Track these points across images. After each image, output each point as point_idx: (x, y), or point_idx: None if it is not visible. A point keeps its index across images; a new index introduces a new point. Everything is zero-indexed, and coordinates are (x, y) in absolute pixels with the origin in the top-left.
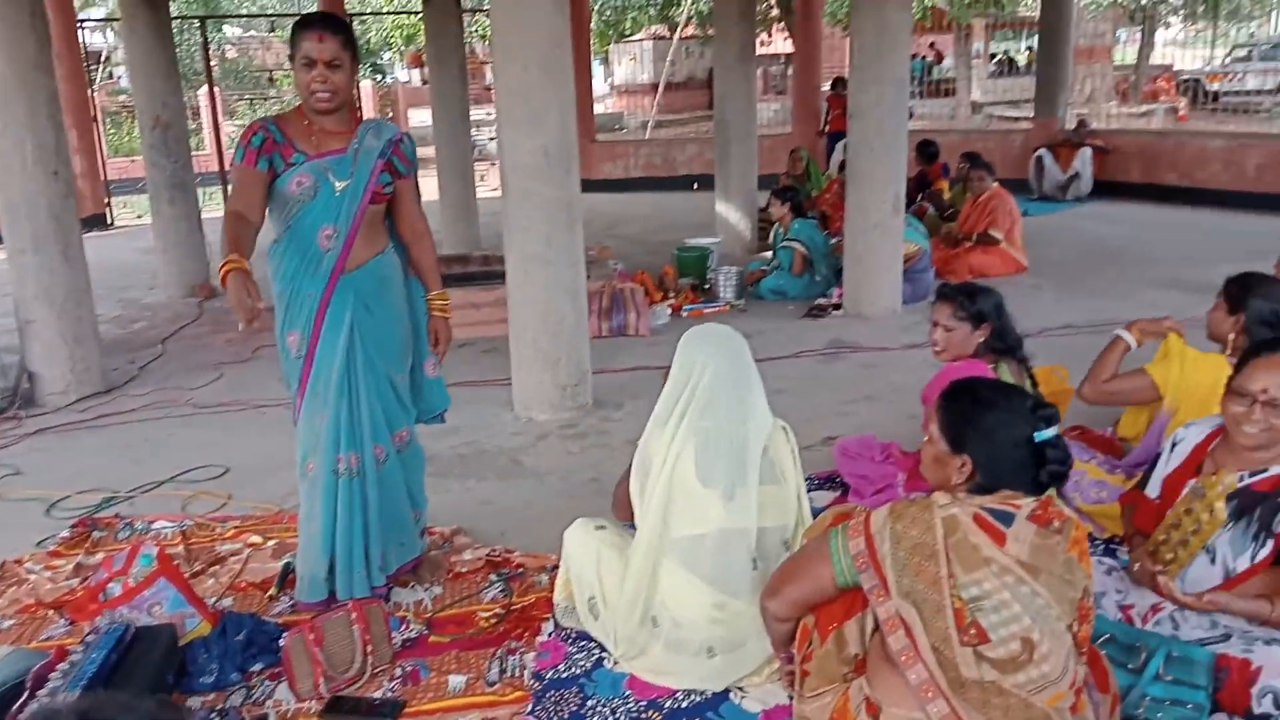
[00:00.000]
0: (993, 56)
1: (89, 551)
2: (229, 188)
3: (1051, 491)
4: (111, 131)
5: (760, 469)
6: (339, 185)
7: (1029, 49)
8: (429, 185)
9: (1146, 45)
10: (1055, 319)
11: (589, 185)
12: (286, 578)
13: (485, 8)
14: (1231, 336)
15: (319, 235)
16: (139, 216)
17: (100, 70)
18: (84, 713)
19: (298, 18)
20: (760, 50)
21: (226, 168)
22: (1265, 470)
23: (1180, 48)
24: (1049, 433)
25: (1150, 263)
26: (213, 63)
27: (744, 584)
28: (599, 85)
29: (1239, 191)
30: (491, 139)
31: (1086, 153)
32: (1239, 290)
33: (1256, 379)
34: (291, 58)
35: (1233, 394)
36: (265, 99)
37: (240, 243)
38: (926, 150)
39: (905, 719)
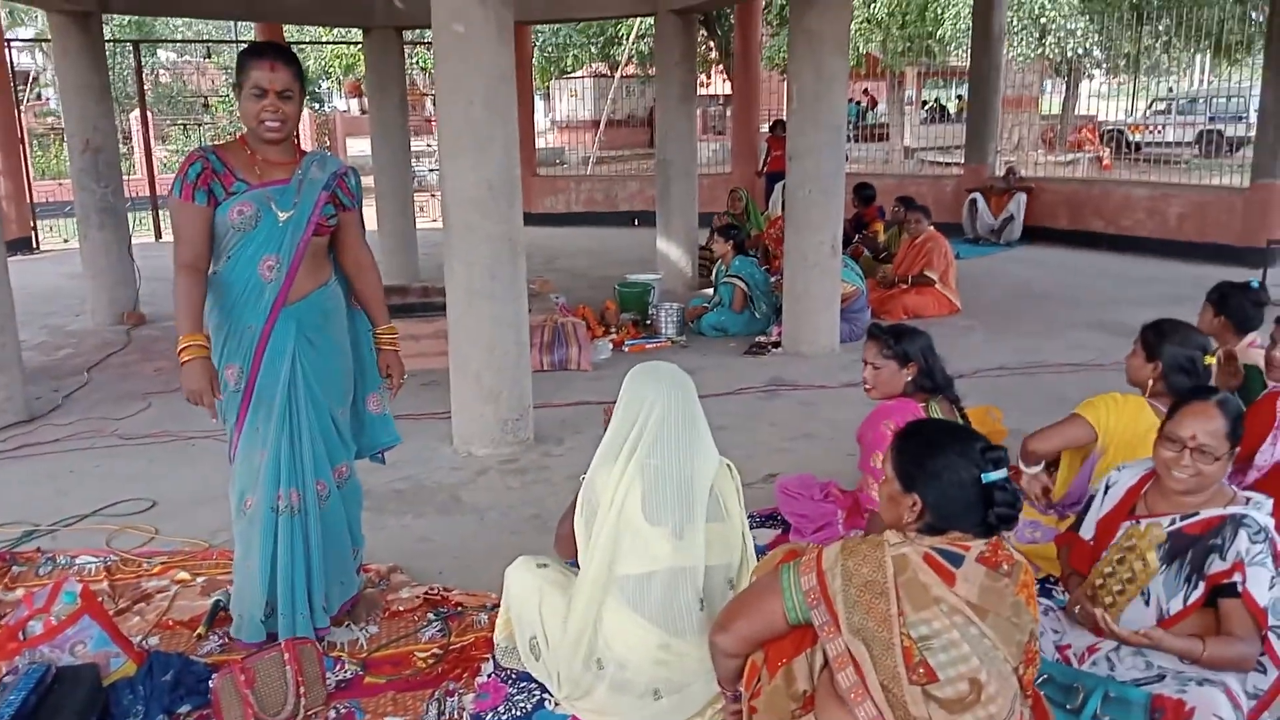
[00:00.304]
0: (924, 104)
1: (8, 587)
2: (172, 229)
3: (1002, 534)
4: (38, 154)
5: (706, 507)
6: (282, 216)
7: (959, 97)
8: (368, 215)
9: (1071, 96)
10: (988, 360)
11: (530, 219)
12: (216, 616)
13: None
14: (1150, 382)
15: (260, 266)
16: (65, 241)
17: (28, 91)
18: None
19: (247, 46)
20: (700, 91)
21: (159, 193)
22: (1195, 514)
23: (1103, 99)
24: (997, 475)
25: (1077, 305)
26: (146, 87)
27: (690, 623)
28: (540, 120)
29: (1161, 239)
30: (431, 170)
31: (1021, 197)
32: (1155, 337)
33: (1186, 425)
34: (238, 85)
35: (1164, 439)
36: (199, 124)
37: (197, 313)
38: (863, 193)
39: None
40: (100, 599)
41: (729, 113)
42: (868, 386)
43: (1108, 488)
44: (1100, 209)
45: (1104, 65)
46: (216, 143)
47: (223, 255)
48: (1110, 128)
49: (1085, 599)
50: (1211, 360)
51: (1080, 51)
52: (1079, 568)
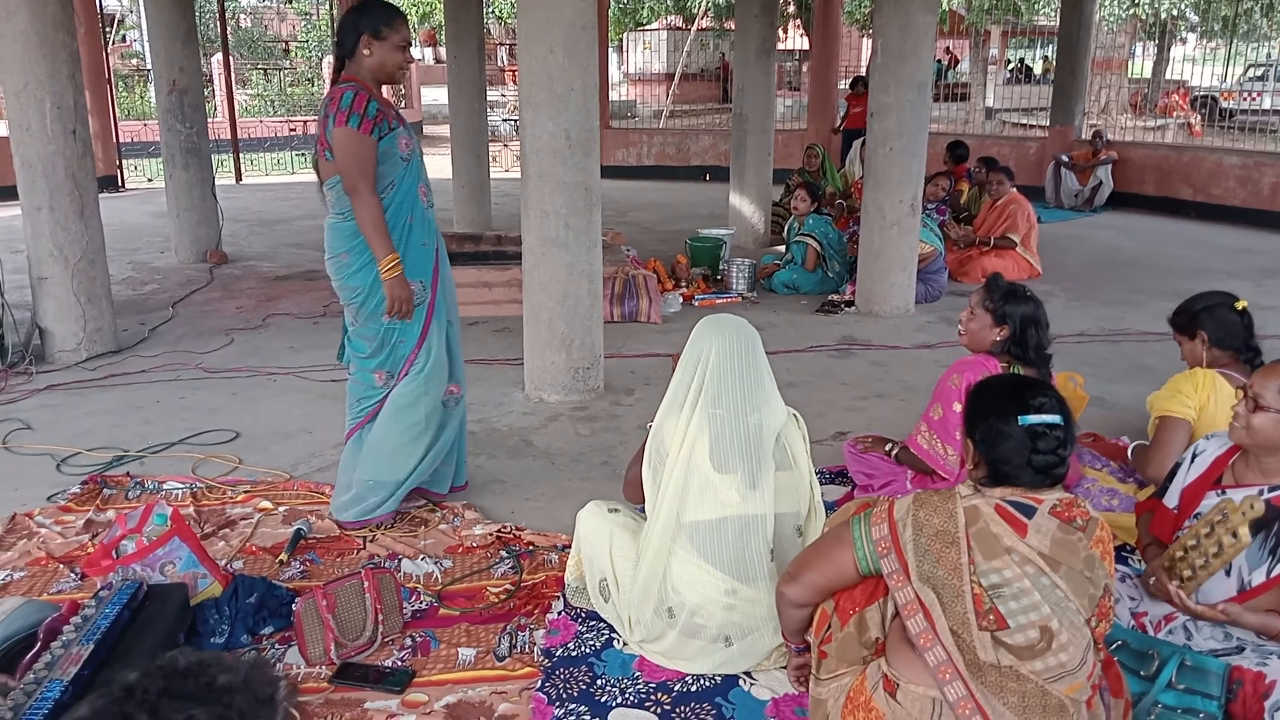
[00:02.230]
0: (1008, 63)
1: (99, 508)
2: (349, 160)
3: (1076, 493)
4: (123, 94)
5: (774, 455)
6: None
7: (1044, 57)
8: (443, 164)
9: (1162, 60)
10: (1069, 326)
11: (602, 171)
12: (297, 543)
13: None
14: (1204, 355)
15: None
16: (149, 180)
17: (114, 33)
18: (188, 669)
19: (388, 4)
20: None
21: (239, 135)
22: None
23: (1195, 64)
24: (1036, 418)
25: (1163, 274)
26: (227, 31)
27: (758, 570)
28: (613, 72)
29: (1254, 209)
30: (505, 120)
31: (1108, 164)
32: (1183, 318)
33: (1253, 379)
34: (378, 37)
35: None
36: (279, 69)
37: (388, 233)
38: (955, 151)
39: (922, 696)
40: (188, 523)
41: (805, 68)
42: (960, 329)
43: (1194, 456)
44: (1190, 176)
45: (1198, 28)
46: (350, 83)
47: (387, 184)
48: (1202, 93)
49: (1162, 572)
50: (1243, 304)
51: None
52: (1160, 535)
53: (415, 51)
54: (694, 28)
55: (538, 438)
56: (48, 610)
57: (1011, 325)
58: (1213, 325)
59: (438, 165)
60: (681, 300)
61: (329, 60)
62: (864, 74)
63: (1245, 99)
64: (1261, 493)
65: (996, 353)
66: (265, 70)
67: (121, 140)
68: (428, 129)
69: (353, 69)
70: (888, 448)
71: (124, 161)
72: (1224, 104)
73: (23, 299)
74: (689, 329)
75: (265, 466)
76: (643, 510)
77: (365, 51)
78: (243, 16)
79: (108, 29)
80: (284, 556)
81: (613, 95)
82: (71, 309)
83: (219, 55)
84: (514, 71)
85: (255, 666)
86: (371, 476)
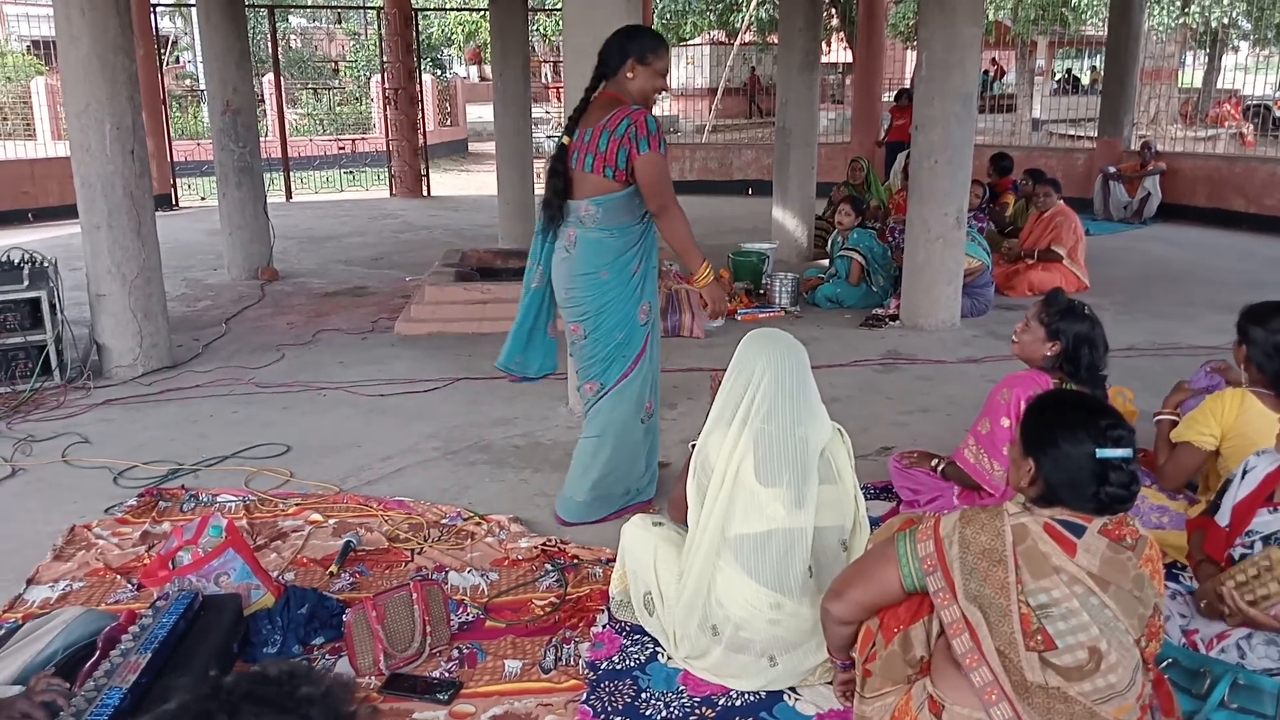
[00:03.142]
0: (1054, 74)
1: (155, 520)
2: (661, 179)
3: (1127, 515)
4: (176, 114)
5: (818, 470)
6: None
7: (1092, 68)
8: (489, 181)
9: (1213, 69)
10: (1118, 339)
11: None
12: (346, 555)
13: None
14: (1242, 368)
15: None
16: (202, 198)
17: (168, 54)
18: (278, 677)
19: (653, 31)
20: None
21: (290, 154)
22: None
23: (1248, 72)
24: (1113, 452)
25: (1215, 286)
26: (279, 51)
27: (801, 584)
28: None
29: None
30: (549, 136)
31: (1156, 176)
32: (1245, 320)
33: None
34: (644, 61)
35: None
36: (328, 89)
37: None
38: (1000, 163)
39: (969, 718)
40: (241, 535)
41: (848, 81)
42: (1014, 339)
43: (1245, 472)
44: (1242, 187)
45: (1251, 36)
46: (633, 105)
47: (643, 208)
48: (1255, 103)
49: (1214, 596)
50: None
51: (1226, 21)
52: (1213, 553)
53: (460, 70)
54: (737, 42)
55: None
56: (106, 620)
57: (1065, 342)
58: (1259, 350)
59: (484, 182)
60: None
61: (376, 79)
62: (908, 86)
63: None
64: None
65: (1049, 368)
66: (315, 90)
67: (175, 159)
68: (473, 146)
69: (614, 88)
70: (934, 463)
71: (178, 180)
72: (1277, 113)
73: (81, 315)
74: (732, 344)
75: (316, 480)
76: (686, 526)
77: (629, 74)
78: (293, 37)
79: (162, 50)
80: (334, 568)
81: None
82: (128, 325)
83: (270, 75)
84: (559, 89)
85: (339, 684)
86: (591, 488)
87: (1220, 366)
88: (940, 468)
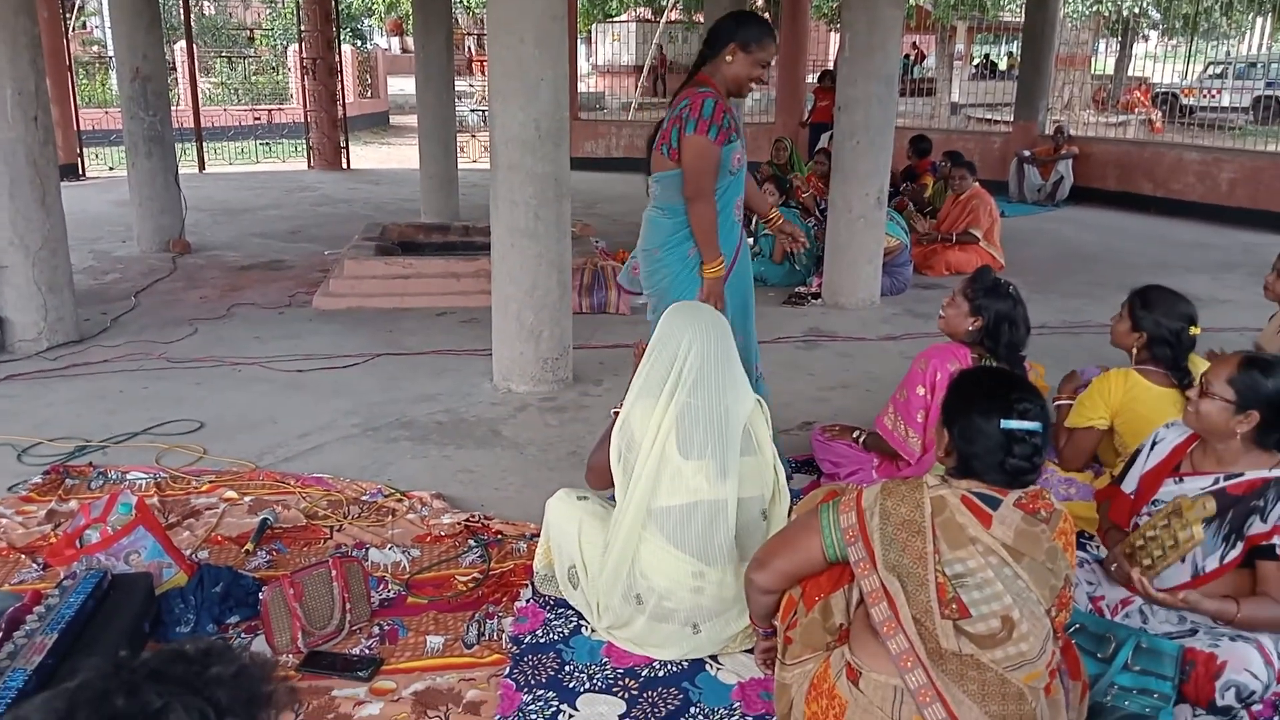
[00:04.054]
0: (973, 59)
1: (62, 498)
2: (697, 165)
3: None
4: (83, 81)
5: (740, 442)
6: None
7: (1009, 53)
8: (410, 154)
9: (1125, 56)
10: (1031, 318)
11: (570, 163)
12: (263, 533)
13: None
14: (1134, 350)
15: (734, 208)
16: (110, 168)
17: (74, 19)
18: (193, 655)
19: (761, 18)
20: None
21: (203, 124)
22: (1240, 474)
23: (1157, 61)
24: (1017, 424)
25: (1124, 268)
26: (191, 17)
27: (725, 554)
28: (581, 64)
29: (1212, 204)
30: (472, 110)
31: (1069, 159)
32: (1141, 307)
33: (1207, 369)
34: (746, 49)
35: None
36: (243, 57)
37: (718, 241)
38: (919, 145)
39: (885, 684)
40: (152, 512)
41: (774, 62)
42: (940, 316)
43: (1154, 443)
44: (1150, 172)
45: (1160, 25)
46: (708, 89)
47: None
48: (1163, 90)
49: (1123, 558)
50: (1196, 331)
51: (1137, 10)
52: (1119, 521)
53: (381, 41)
54: (663, 20)
55: (506, 428)
56: (9, 600)
57: (986, 318)
58: (1158, 337)
59: (405, 155)
60: None
61: (294, 49)
62: (831, 68)
63: (1205, 96)
64: (1217, 481)
65: (970, 343)
66: (229, 58)
67: (82, 128)
68: (395, 119)
69: (710, 71)
70: (855, 435)
71: (85, 149)
72: (1184, 100)
73: None
74: (657, 321)
75: (230, 457)
76: (611, 497)
77: (729, 58)
78: (206, 3)
79: (68, 15)
80: (250, 546)
81: (581, 87)
82: (32, 298)
83: (182, 42)
84: (482, 62)
85: (255, 664)
86: None
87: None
88: (861, 438)
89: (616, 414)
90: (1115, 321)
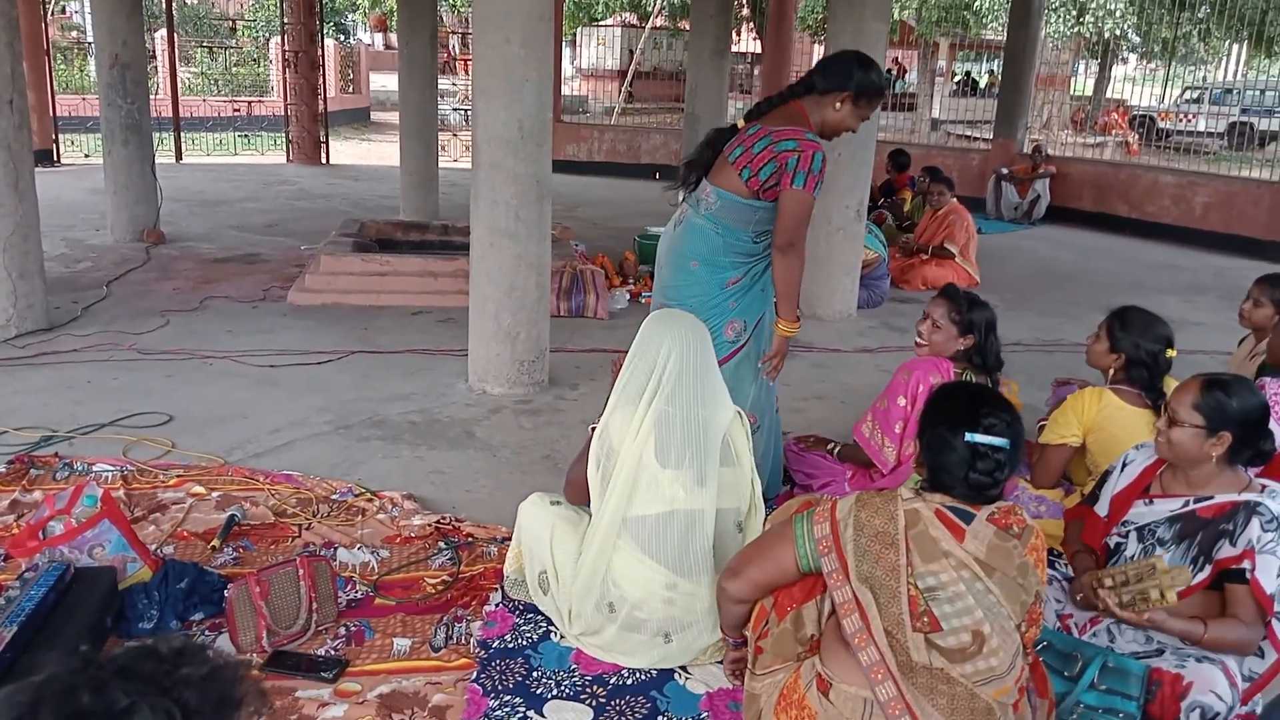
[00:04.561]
0: (954, 75)
1: (26, 489)
2: (796, 214)
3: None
4: (61, 67)
5: (719, 452)
6: None
7: (990, 71)
8: (391, 151)
9: (1104, 78)
10: (1006, 335)
11: (552, 166)
12: (230, 529)
13: None
14: (1111, 370)
15: None
16: (86, 156)
17: (53, 3)
18: (166, 654)
19: (881, 78)
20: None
21: (181, 114)
22: (1210, 498)
23: (1135, 84)
24: (981, 438)
25: (1098, 288)
26: (172, 6)
27: (699, 564)
28: (565, 67)
29: (1185, 227)
30: (455, 110)
31: (1046, 179)
32: (1120, 329)
33: (1171, 396)
34: (856, 101)
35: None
36: (224, 47)
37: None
38: (898, 159)
39: (855, 696)
40: (118, 506)
41: (757, 71)
42: (921, 342)
43: (1125, 464)
44: (1126, 193)
45: (1139, 49)
46: (810, 134)
47: (758, 227)
48: (1140, 113)
49: (1089, 590)
50: (1173, 354)
51: (1117, 33)
52: (1090, 542)
53: (365, 36)
54: (649, 26)
55: (480, 430)
56: None
57: (976, 334)
58: (1135, 359)
59: (386, 152)
60: (629, 297)
61: (276, 41)
62: None
63: (1181, 120)
64: (1186, 504)
65: (954, 358)
66: (210, 48)
67: (59, 114)
68: (376, 115)
69: (810, 106)
70: (830, 446)
71: (60, 136)
72: (1161, 124)
73: None
74: (636, 326)
75: (199, 451)
76: (586, 506)
77: (837, 105)
78: None
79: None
80: (216, 542)
81: (564, 90)
82: (2, 284)
83: (163, 31)
84: (466, 60)
85: (227, 666)
86: None
87: (1062, 380)
88: (836, 450)
89: (594, 429)
90: (1092, 341)
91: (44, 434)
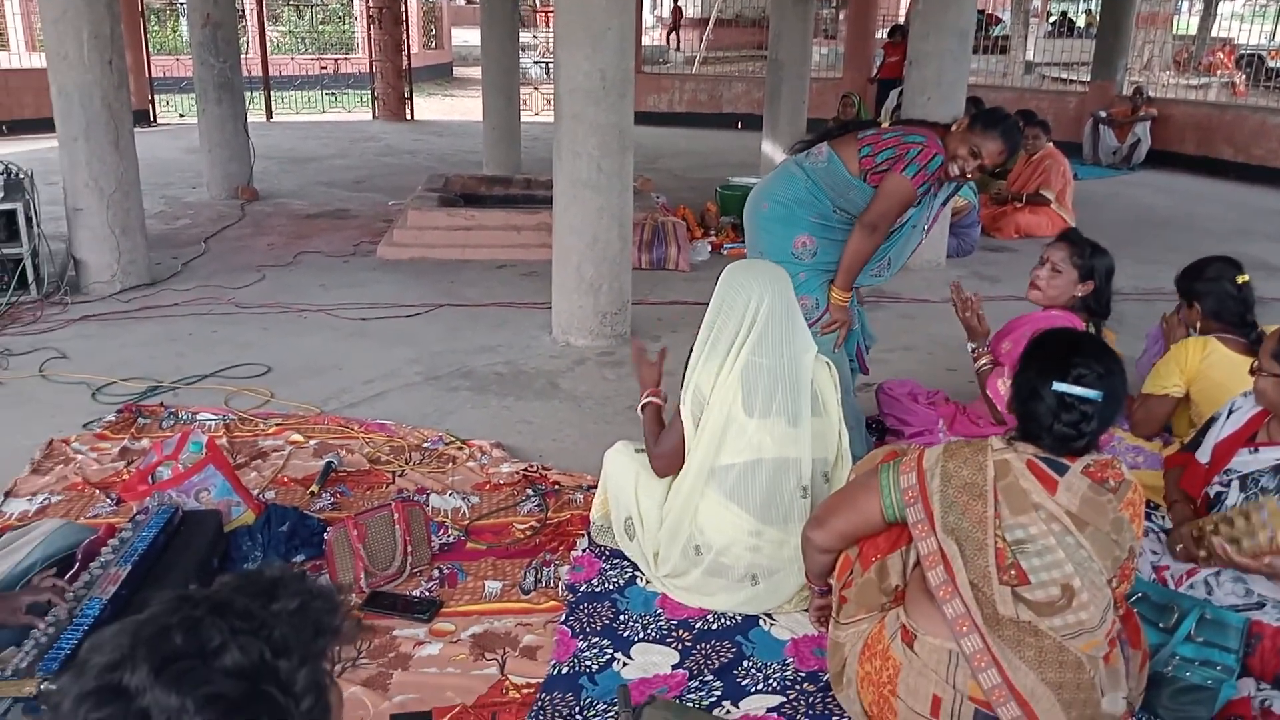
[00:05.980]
0: (1049, 15)
1: (134, 436)
2: (890, 199)
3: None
4: (155, 28)
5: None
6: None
7: (1088, 11)
8: (474, 106)
9: (1209, 16)
10: None
11: (633, 116)
12: (328, 476)
13: None
14: (1197, 324)
15: (883, 260)
16: (181, 115)
17: None
18: (264, 587)
19: (1010, 130)
20: None
21: (270, 72)
22: None
23: (1243, 21)
24: (1068, 388)
25: (1200, 234)
26: None
27: (789, 512)
28: (645, 16)
29: None
30: (536, 63)
31: (1147, 122)
32: (1184, 281)
33: (1261, 348)
34: (973, 129)
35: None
36: (310, 5)
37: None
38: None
39: (940, 648)
40: (222, 452)
41: (842, 16)
42: (1037, 286)
43: (1230, 411)
44: (1231, 136)
45: None
46: (939, 145)
47: (841, 199)
48: (1248, 51)
49: (1190, 540)
50: (1245, 279)
51: None
52: (1190, 490)
53: None
54: None
55: (564, 381)
56: (85, 533)
57: (1097, 280)
58: (1211, 300)
59: (469, 107)
60: (710, 249)
61: None
62: (902, 22)
63: None
64: None
65: (1073, 308)
66: (297, 6)
67: (154, 75)
68: (458, 70)
69: (944, 129)
70: (971, 347)
71: (155, 96)
72: (1271, 63)
73: (58, 230)
74: (717, 277)
75: (296, 401)
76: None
77: (957, 126)
78: None
79: None
80: (315, 488)
81: (645, 40)
82: (106, 240)
83: None
84: (546, 13)
85: (319, 596)
86: None
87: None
88: (981, 365)
89: (647, 406)
90: (1174, 322)
91: (150, 384)
